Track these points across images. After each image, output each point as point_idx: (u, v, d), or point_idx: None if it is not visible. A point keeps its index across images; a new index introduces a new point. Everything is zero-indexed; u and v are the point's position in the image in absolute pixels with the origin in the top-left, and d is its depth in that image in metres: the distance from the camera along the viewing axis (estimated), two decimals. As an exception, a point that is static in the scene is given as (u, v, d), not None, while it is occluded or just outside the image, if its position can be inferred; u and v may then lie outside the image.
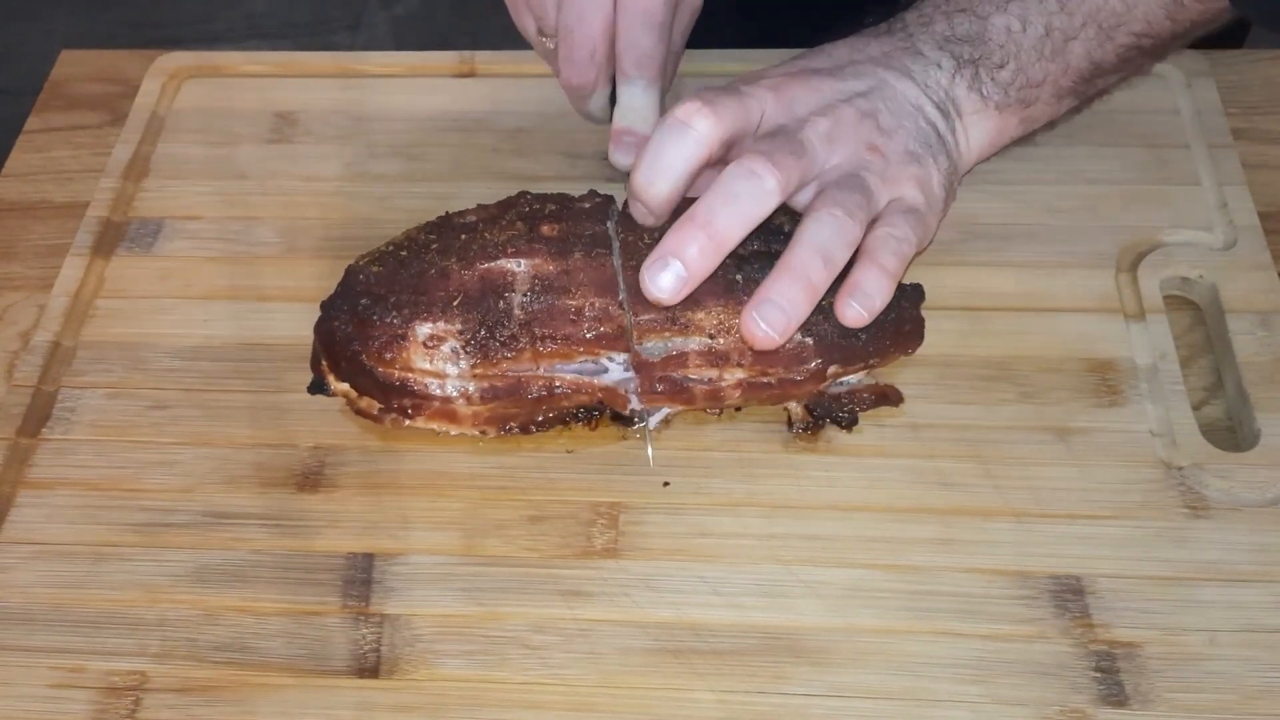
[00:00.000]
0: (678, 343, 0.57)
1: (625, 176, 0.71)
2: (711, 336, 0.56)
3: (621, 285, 0.58)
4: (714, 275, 0.56)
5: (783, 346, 0.56)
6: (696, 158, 0.56)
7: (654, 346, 0.57)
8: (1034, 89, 0.63)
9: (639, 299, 0.56)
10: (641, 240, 0.58)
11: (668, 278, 0.55)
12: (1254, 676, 0.52)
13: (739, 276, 0.56)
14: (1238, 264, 0.65)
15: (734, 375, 0.57)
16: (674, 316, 0.56)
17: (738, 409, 0.61)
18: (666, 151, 0.56)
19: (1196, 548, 0.56)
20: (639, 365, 0.57)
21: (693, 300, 0.56)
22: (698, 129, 0.56)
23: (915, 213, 0.59)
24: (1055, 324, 0.64)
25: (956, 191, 0.63)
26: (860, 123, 0.59)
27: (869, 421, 0.60)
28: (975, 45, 0.62)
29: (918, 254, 0.59)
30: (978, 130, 0.63)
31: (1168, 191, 0.69)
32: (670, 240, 0.55)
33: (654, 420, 0.60)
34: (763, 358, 0.57)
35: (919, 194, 0.59)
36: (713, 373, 0.57)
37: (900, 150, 0.59)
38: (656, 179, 0.56)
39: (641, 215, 0.58)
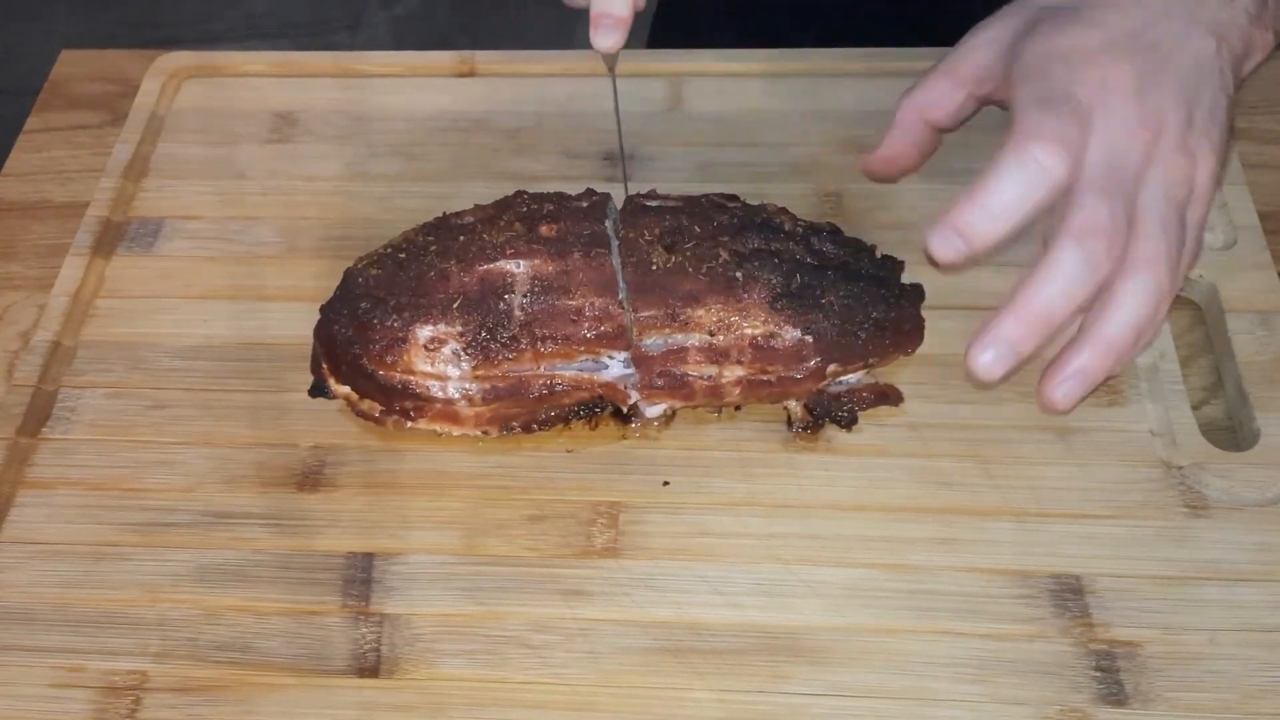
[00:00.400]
0: (678, 339, 0.57)
1: (623, 175, 0.71)
2: (711, 334, 0.56)
3: (621, 283, 0.58)
4: (714, 273, 0.56)
5: (783, 344, 0.56)
6: (1042, 201, 0.51)
7: (654, 342, 0.57)
8: None
9: (639, 294, 0.56)
10: (643, 237, 0.58)
11: (997, 363, 0.51)
12: (1254, 676, 0.52)
13: (739, 274, 0.56)
14: (1237, 263, 0.65)
15: (734, 372, 0.57)
16: (674, 313, 0.56)
17: (737, 408, 0.61)
18: (1008, 189, 0.51)
19: (1196, 547, 0.56)
20: (639, 360, 0.57)
21: (693, 297, 0.56)
22: (1049, 169, 0.51)
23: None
24: (1055, 323, 0.64)
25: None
26: (1181, 156, 0.53)
27: (869, 421, 0.60)
28: None
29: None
30: (1252, 67, 0.58)
31: (1167, 191, 0.69)
32: (1008, 328, 0.51)
33: (651, 411, 0.60)
34: (763, 355, 0.57)
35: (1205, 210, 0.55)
36: (712, 369, 0.57)
37: (1208, 172, 0.54)
38: (992, 220, 0.51)
39: (951, 254, 0.52)
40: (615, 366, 0.59)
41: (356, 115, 0.76)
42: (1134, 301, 0.51)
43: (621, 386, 0.59)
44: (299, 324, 0.63)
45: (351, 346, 0.58)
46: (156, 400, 0.63)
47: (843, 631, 0.54)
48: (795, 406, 0.60)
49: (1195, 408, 0.61)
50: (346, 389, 0.60)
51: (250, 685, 0.54)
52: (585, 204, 0.61)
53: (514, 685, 0.53)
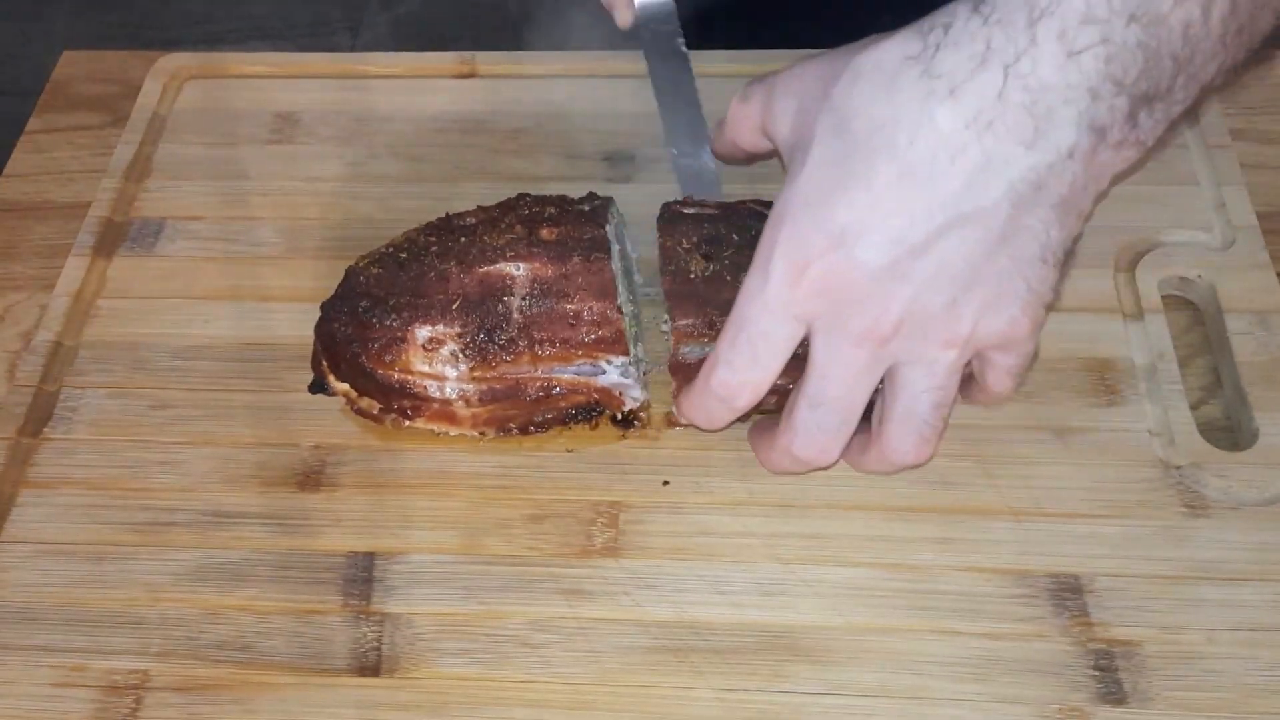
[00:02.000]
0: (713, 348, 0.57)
1: (624, 177, 0.72)
2: None
3: (621, 289, 0.58)
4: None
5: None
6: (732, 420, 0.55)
7: (691, 350, 0.57)
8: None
9: (677, 303, 0.57)
10: (680, 245, 0.58)
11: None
12: (1252, 675, 0.52)
13: None
14: (1236, 264, 0.65)
15: None
16: (712, 322, 0.56)
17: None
18: (716, 419, 0.55)
19: (1195, 547, 0.56)
20: (675, 368, 0.57)
21: (727, 306, 0.55)
22: (739, 407, 0.54)
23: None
24: (1054, 324, 0.63)
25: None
26: (939, 321, 0.49)
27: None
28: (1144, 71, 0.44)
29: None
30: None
31: (1166, 191, 0.69)
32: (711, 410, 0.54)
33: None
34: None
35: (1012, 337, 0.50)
36: None
37: (1002, 321, 0.50)
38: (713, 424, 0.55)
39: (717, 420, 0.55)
40: (613, 372, 0.59)
41: (357, 116, 0.77)
42: (767, 458, 0.56)
43: (618, 392, 0.59)
44: (300, 324, 0.63)
45: (351, 344, 0.58)
46: (158, 400, 0.63)
47: (843, 631, 0.54)
48: None
49: (1194, 407, 0.61)
50: (345, 386, 0.60)
51: (251, 684, 0.54)
52: (587, 208, 0.61)
53: (514, 684, 0.53)
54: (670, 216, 0.60)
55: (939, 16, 0.46)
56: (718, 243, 0.58)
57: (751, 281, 0.50)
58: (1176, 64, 0.44)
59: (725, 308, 0.55)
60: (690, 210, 0.60)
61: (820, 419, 0.52)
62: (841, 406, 0.52)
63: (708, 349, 0.56)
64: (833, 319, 0.49)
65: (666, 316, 0.58)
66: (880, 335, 0.49)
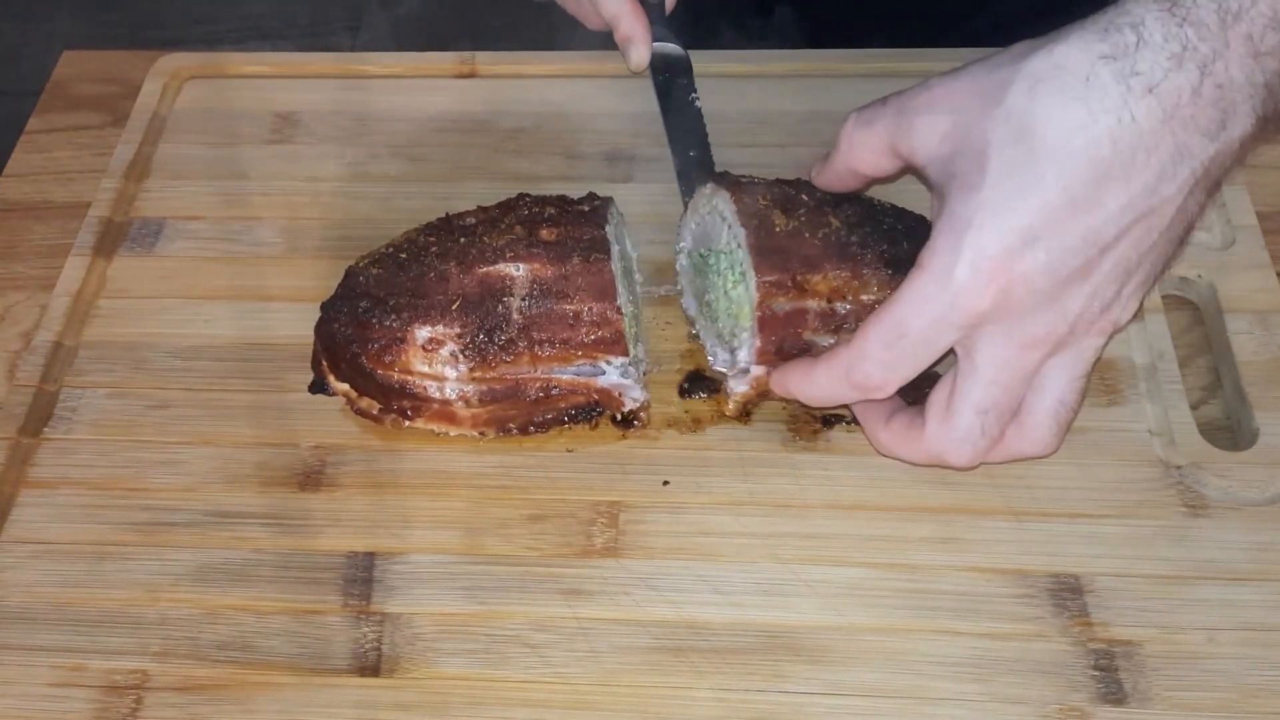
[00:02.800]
0: (798, 304, 0.57)
1: (624, 177, 0.72)
2: (830, 300, 0.56)
3: (621, 289, 0.58)
4: (829, 239, 0.56)
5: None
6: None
7: (779, 305, 0.57)
8: None
9: (762, 256, 0.56)
10: (758, 202, 0.58)
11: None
12: (1252, 675, 0.52)
13: (853, 239, 0.57)
14: (1236, 263, 0.65)
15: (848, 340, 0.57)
16: (795, 279, 0.56)
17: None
18: (834, 402, 0.56)
19: (1195, 546, 0.56)
20: (764, 323, 0.57)
21: (812, 263, 0.56)
22: (873, 400, 0.54)
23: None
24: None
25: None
26: (1086, 339, 0.51)
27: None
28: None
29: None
30: None
31: (1166, 191, 0.69)
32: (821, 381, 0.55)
33: (737, 389, 0.60)
34: None
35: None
36: (830, 339, 0.57)
37: (1109, 332, 0.52)
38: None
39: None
40: (612, 372, 0.59)
41: (357, 116, 0.77)
42: (899, 449, 0.56)
43: (617, 393, 0.59)
44: (300, 324, 0.63)
45: (350, 345, 0.58)
46: (158, 400, 0.63)
47: (842, 631, 0.54)
48: None
49: (1194, 407, 0.61)
50: (345, 386, 0.60)
51: (251, 684, 0.54)
52: (587, 208, 0.61)
53: (514, 684, 0.53)
54: (732, 182, 0.60)
55: (1116, 16, 0.47)
56: (792, 201, 0.58)
57: (924, 287, 0.50)
58: None
59: (806, 264, 0.56)
60: (744, 178, 0.60)
61: (987, 424, 0.52)
62: (1007, 411, 0.52)
63: (793, 304, 0.56)
64: (1008, 324, 0.50)
65: (737, 274, 0.58)
66: (1057, 338, 0.50)
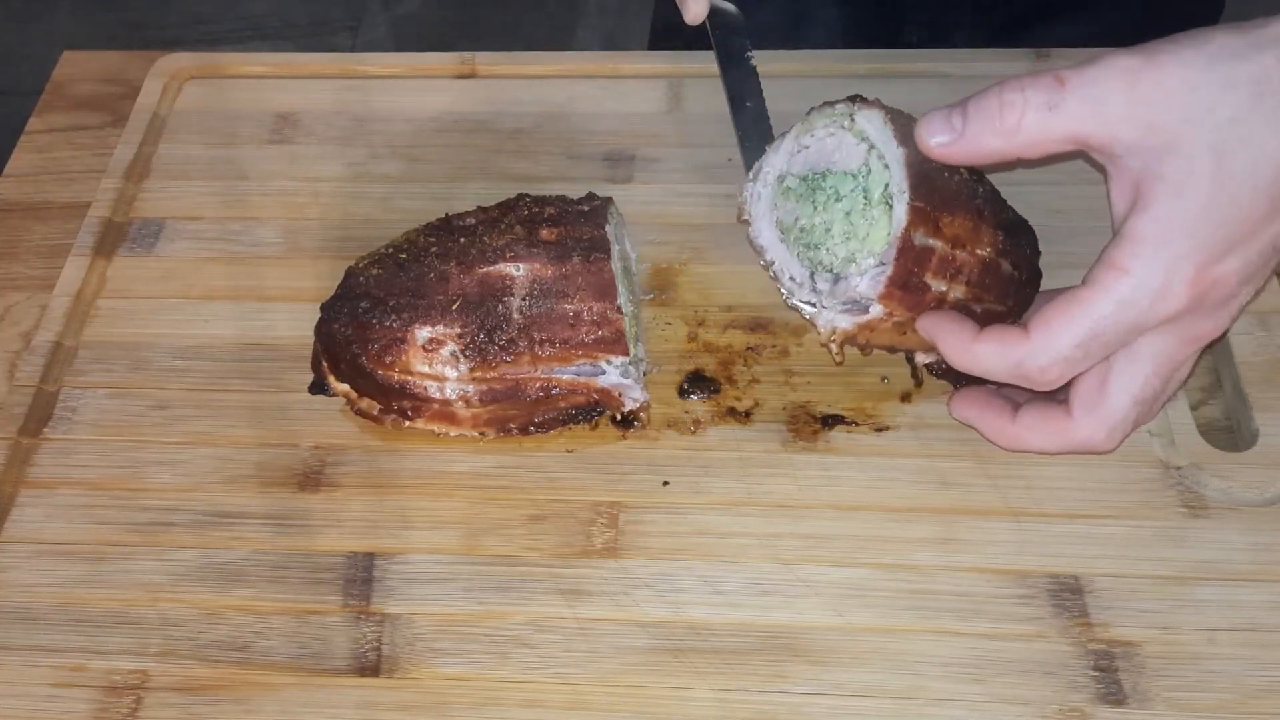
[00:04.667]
0: (930, 241, 0.55)
1: (624, 177, 0.72)
2: (953, 246, 0.55)
3: (621, 289, 0.58)
4: (963, 184, 0.55)
5: (1002, 275, 0.56)
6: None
7: (919, 237, 0.55)
8: None
9: (920, 183, 0.54)
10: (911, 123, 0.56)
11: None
12: (1252, 675, 0.52)
13: (980, 191, 0.56)
14: (1236, 264, 0.65)
15: (956, 292, 0.56)
16: (935, 213, 0.54)
17: (893, 350, 0.60)
18: (986, 374, 0.54)
19: (1195, 547, 0.56)
20: (903, 251, 0.54)
21: (949, 201, 0.55)
22: (1031, 386, 0.53)
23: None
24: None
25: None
26: (1209, 320, 0.51)
27: (868, 421, 0.61)
28: None
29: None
30: None
31: (1166, 192, 0.69)
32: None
33: (830, 324, 0.58)
34: (985, 281, 0.56)
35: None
36: (944, 285, 0.56)
37: (1231, 319, 0.52)
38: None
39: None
40: (613, 372, 0.59)
41: (357, 116, 0.77)
42: (1036, 441, 0.55)
43: (617, 393, 0.59)
44: (300, 324, 0.63)
45: (350, 345, 0.58)
46: (158, 400, 0.63)
47: (843, 631, 0.54)
48: (926, 358, 0.60)
49: (1193, 408, 0.61)
50: (345, 387, 0.60)
51: (251, 684, 0.54)
52: (587, 208, 0.61)
53: (514, 684, 0.53)
54: (875, 101, 0.58)
55: None
56: None
57: (1129, 293, 0.49)
58: None
59: (946, 200, 0.54)
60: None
61: (1140, 413, 0.53)
62: (1160, 400, 0.53)
63: (927, 241, 0.55)
64: (1186, 322, 0.50)
65: (879, 196, 0.56)
66: (1216, 333, 0.51)
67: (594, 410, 0.60)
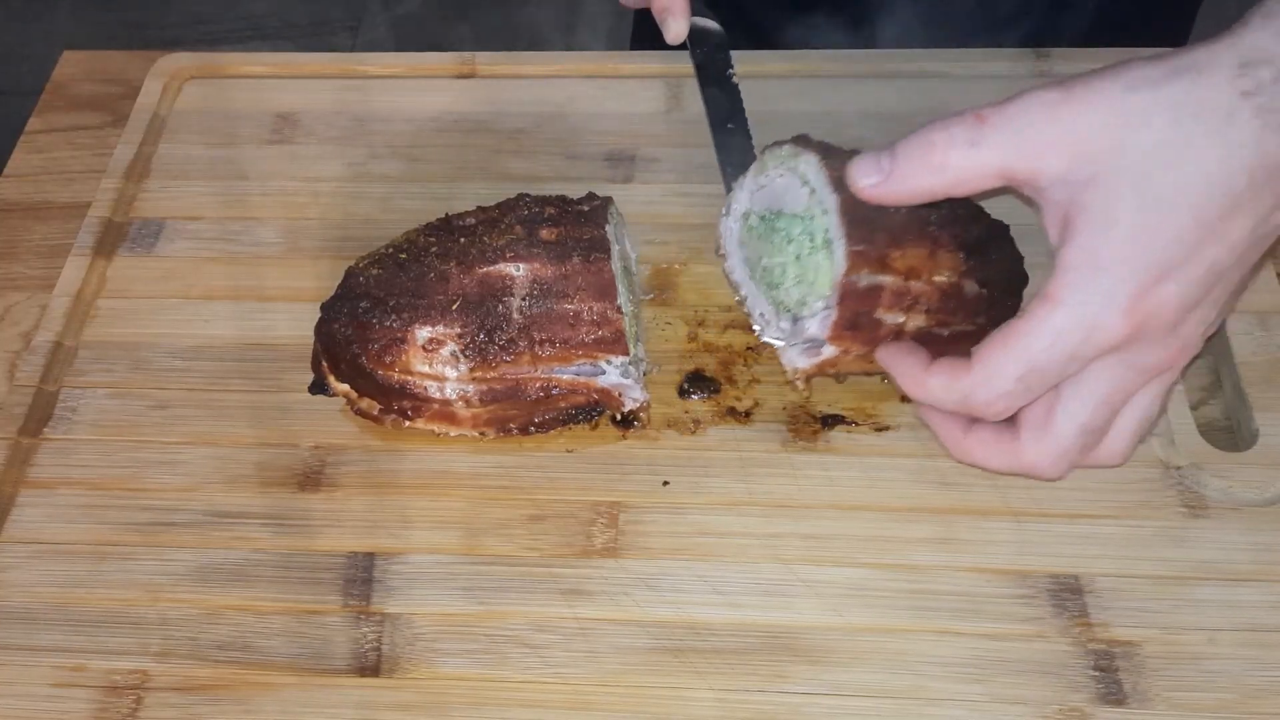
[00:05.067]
0: (877, 279, 0.55)
1: (624, 177, 0.72)
2: (905, 278, 0.55)
3: (621, 289, 0.58)
4: (911, 214, 0.55)
5: (966, 297, 0.56)
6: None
7: (859, 279, 0.55)
8: None
9: (854, 225, 0.55)
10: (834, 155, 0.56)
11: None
12: (1252, 675, 0.52)
13: (933, 218, 0.56)
14: (1236, 264, 0.65)
15: (916, 322, 0.56)
16: (880, 254, 0.55)
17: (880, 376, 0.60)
18: (938, 405, 0.54)
19: (1195, 547, 0.56)
20: (845, 294, 0.55)
21: (895, 237, 0.55)
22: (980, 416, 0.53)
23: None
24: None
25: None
26: (1160, 347, 0.50)
27: (869, 421, 0.61)
28: None
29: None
30: None
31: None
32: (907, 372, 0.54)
33: (798, 363, 0.59)
34: (947, 306, 0.56)
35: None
36: (900, 317, 0.56)
37: (1192, 349, 0.52)
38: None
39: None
40: (613, 372, 0.59)
41: (357, 116, 0.77)
42: (985, 458, 0.54)
43: (617, 392, 0.59)
44: (300, 324, 0.63)
45: (351, 345, 0.58)
46: (158, 400, 0.63)
47: (843, 631, 0.54)
48: None
49: (1193, 408, 0.61)
50: (346, 387, 0.60)
51: (251, 684, 0.54)
52: (587, 208, 0.61)
53: (514, 684, 0.53)
54: (817, 143, 0.58)
55: (1246, 50, 0.47)
56: None
57: (1061, 323, 0.49)
58: None
59: (890, 236, 0.54)
60: (824, 142, 0.59)
61: (1087, 441, 0.52)
62: (1106, 428, 0.52)
63: (875, 279, 0.55)
64: (1131, 351, 0.50)
65: (819, 240, 0.56)
66: (1170, 363, 0.50)
67: (594, 410, 0.60)
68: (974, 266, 0.56)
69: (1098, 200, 0.48)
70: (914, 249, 0.55)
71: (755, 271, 0.61)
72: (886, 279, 0.55)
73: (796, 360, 0.59)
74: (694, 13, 0.73)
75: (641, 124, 0.74)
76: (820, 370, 0.59)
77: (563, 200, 0.62)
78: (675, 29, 0.71)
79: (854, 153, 0.55)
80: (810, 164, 0.58)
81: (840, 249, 0.55)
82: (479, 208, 0.62)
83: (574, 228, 0.59)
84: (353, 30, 2.05)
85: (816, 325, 0.57)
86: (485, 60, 0.79)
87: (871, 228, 0.55)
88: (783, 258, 0.59)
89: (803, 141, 0.59)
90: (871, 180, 0.52)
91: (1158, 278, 0.48)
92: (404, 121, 0.76)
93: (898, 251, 0.55)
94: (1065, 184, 0.49)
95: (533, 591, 0.56)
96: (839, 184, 0.55)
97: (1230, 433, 0.61)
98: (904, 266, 0.55)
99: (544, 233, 0.59)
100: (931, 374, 0.53)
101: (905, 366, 0.54)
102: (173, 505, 0.60)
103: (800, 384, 0.59)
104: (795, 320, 0.58)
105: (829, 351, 0.57)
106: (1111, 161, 0.48)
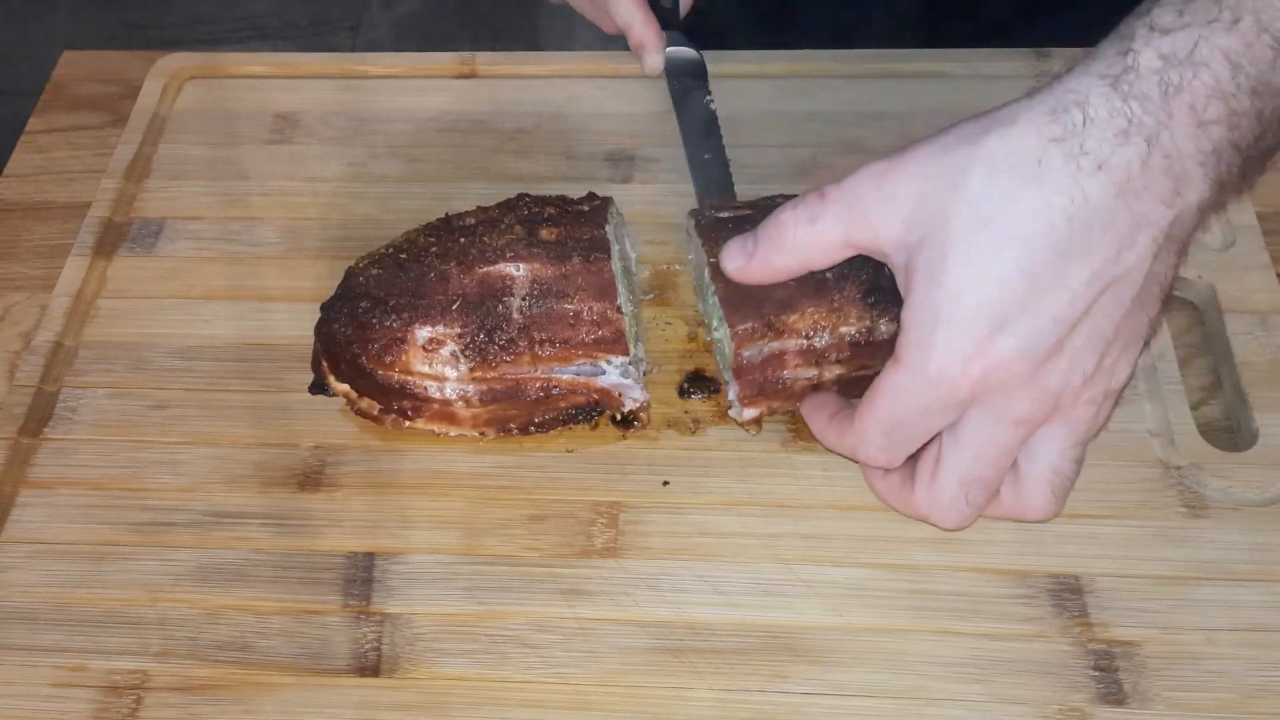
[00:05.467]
0: (775, 345, 0.57)
1: (624, 177, 0.72)
2: (808, 337, 0.56)
3: (621, 289, 0.58)
4: (805, 279, 0.55)
5: (880, 338, 0.56)
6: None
7: (753, 352, 0.57)
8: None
9: (733, 309, 0.56)
10: (719, 238, 0.57)
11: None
12: (1252, 675, 0.52)
13: (829, 274, 0.56)
14: (1236, 264, 0.65)
15: (834, 371, 0.57)
16: (770, 323, 0.56)
17: None
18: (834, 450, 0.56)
19: (1195, 547, 0.56)
20: (740, 370, 0.57)
21: (786, 304, 0.56)
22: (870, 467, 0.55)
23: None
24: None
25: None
26: (1075, 410, 0.51)
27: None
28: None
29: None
30: None
31: (1166, 192, 0.69)
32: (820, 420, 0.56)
33: (747, 414, 0.59)
34: (862, 352, 0.57)
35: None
36: (813, 371, 0.57)
37: (1108, 406, 0.52)
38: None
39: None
40: (613, 372, 0.59)
41: (357, 116, 0.77)
42: (893, 502, 0.56)
43: (617, 393, 0.59)
44: (300, 324, 0.63)
45: (350, 345, 0.58)
46: (158, 400, 0.63)
47: (843, 631, 0.54)
48: None
49: (1193, 408, 0.61)
50: (345, 387, 0.60)
51: (251, 684, 0.54)
52: (587, 208, 0.61)
53: (514, 684, 0.53)
54: (709, 222, 0.60)
55: (1063, 95, 0.47)
56: None
57: (905, 381, 0.50)
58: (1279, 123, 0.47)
59: (780, 306, 0.56)
60: (726, 214, 0.60)
61: (971, 494, 0.52)
62: (993, 482, 0.52)
63: (768, 347, 0.57)
64: (992, 404, 0.50)
65: (715, 322, 0.58)
66: (1042, 414, 0.50)
67: (594, 410, 0.60)
68: (884, 308, 0.56)
69: (927, 261, 0.49)
70: (812, 308, 0.56)
71: (711, 330, 0.63)
72: (789, 343, 0.57)
73: (741, 414, 0.60)
74: (672, 42, 0.73)
75: (641, 124, 0.74)
76: (760, 417, 0.60)
77: (563, 200, 0.62)
78: (651, 63, 0.74)
79: (746, 217, 0.58)
80: (695, 247, 0.60)
81: (723, 330, 0.57)
82: (479, 208, 0.62)
83: (574, 228, 0.59)
84: (353, 30, 2.05)
85: (734, 392, 0.59)
86: (485, 60, 0.79)
87: (759, 303, 0.56)
88: (714, 318, 0.61)
89: (698, 216, 0.61)
90: (738, 264, 0.55)
91: (992, 330, 0.48)
92: (404, 121, 0.76)
93: (794, 315, 0.56)
94: (901, 249, 0.50)
95: (533, 591, 0.56)
96: (715, 271, 0.57)
97: (1230, 433, 0.61)
98: (804, 326, 0.56)
99: (544, 233, 0.59)
100: (828, 428, 0.56)
101: (813, 421, 0.57)
102: (172, 505, 0.60)
103: (749, 429, 0.61)
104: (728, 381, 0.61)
105: (750, 413, 0.59)
106: (936, 223, 0.48)
